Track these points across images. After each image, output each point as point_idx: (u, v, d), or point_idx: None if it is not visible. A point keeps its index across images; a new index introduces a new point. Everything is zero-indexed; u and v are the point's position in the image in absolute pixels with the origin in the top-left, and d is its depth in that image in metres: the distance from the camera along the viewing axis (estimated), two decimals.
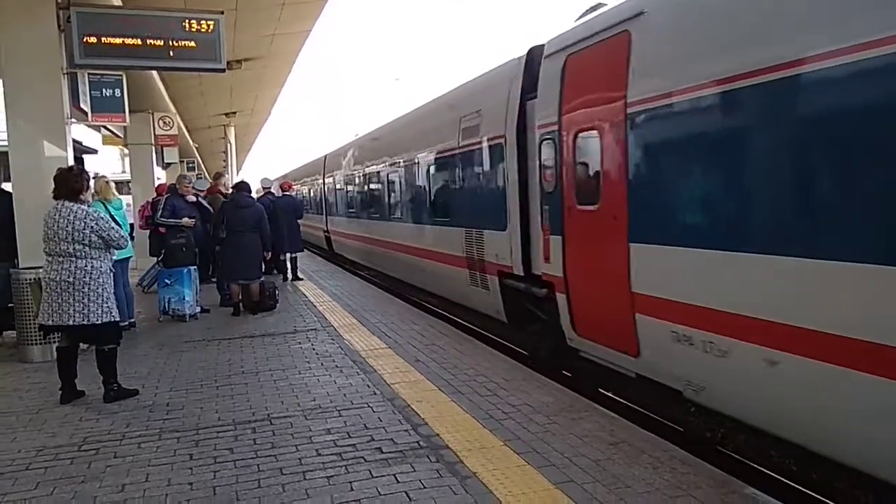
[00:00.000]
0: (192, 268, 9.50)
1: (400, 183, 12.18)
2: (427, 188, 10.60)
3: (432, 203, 10.36)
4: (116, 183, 9.14)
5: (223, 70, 8.61)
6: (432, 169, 10.21)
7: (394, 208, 12.72)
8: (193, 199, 10.23)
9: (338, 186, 18.58)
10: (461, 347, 7.27)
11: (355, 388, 5.83)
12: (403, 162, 11.77)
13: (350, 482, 3.90)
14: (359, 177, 15.62)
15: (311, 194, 23.92)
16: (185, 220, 9.67)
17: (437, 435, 4.61)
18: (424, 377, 6.08)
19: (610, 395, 6.60)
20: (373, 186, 14.31)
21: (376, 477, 3.95)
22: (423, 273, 11.04)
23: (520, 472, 3.97)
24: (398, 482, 3.88)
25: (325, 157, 20.94)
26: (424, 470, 4.04)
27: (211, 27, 8.12)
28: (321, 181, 21.27)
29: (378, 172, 13.66)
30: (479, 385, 5.77)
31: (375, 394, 5.63)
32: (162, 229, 9.92)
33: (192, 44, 8.08)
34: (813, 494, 4.66)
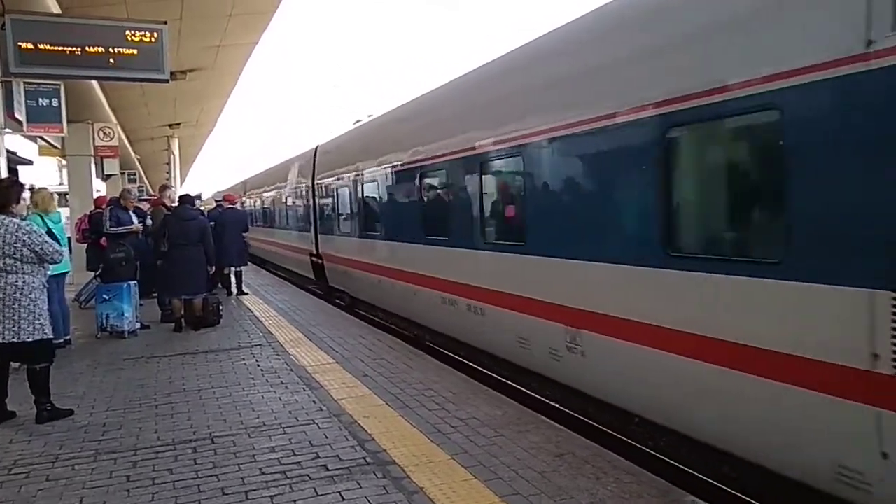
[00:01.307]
0: (132, 282, 9.25)
1: (536, 174, 6.07)
2: (664, 184, 4.53)
3: (688, 217, 4.63)
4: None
5: (166, 81, 8.49)
6: (686, 138, 4.46)
7: (523, 225, 6.29)
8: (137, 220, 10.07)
9: (341, 191, 12.73)
10: (410, 361, 7.24)
11: (301, 404, 5.74)
12: (564, 130, 5.51)
13: (294, 501, 3.83)
14: (403, 172, 9.32)
15: (290, 203, 17.75)
16: (135, 225, 9.75)
17: (384, 450, 4.58)
18: (372, 392, 6.03)
19: (557, 405, 6.67)
20: (449, 187, 7.93)
21: (321, 495, 3.90)
22: (644, 384, 4.88)
23: (467, 487, 3.97)
24: (344, 500, 3.83)
25: (317, 149, 15.02)
26: (371, 486, 4.00)
27: (154, 37, 7.98)
28: (308, 184, 15.32)
29: (464, 159, 7.34)
30: (427, 399, 5.76)
31: (321, 410, 5.56)
32: (103, 241, 9.73)
33: (134, 52, 7.92)
34: (751, 501, 4.79)
